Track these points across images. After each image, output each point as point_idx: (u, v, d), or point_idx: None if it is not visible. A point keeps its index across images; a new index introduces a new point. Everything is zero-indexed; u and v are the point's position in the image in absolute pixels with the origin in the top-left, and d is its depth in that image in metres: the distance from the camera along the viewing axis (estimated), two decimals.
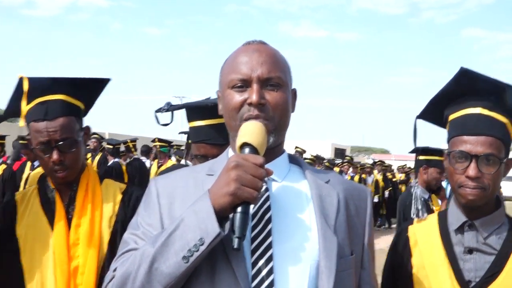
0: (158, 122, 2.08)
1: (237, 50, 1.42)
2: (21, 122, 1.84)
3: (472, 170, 1.60)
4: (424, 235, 1.79)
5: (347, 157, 19.77)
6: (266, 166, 1.23)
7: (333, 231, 1.29)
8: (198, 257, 1.16)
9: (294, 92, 1.45)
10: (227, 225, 1.19)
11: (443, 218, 1.80)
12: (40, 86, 1.84)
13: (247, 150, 1.24)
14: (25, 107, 1.83)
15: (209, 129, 1.97)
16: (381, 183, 16.30)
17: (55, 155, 1.80)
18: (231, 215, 1.20)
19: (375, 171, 16.83)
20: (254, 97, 1.30)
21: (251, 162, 1.19)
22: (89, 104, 2.03)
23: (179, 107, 2.06)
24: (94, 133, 10.56)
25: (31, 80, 1.83)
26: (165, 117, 2.10)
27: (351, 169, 15.92)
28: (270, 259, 1.23)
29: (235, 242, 1.15)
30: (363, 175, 15.84)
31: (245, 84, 1.33)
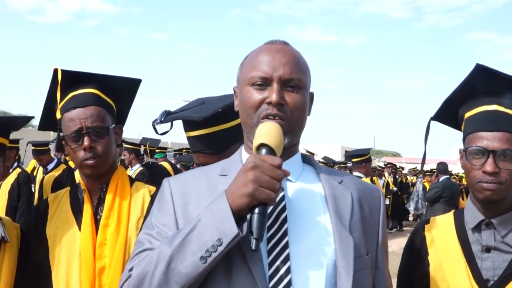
0: (156, 132, 2.08)
1: (259, 48, 1.40)
2: (58, 114, 1.85)
3: (489, 166, 1.60)
4: (440, 233, 1.78)
5: None
6: None
7: (348, 231, 1.28)
8: (216, 257, 1.16)
9: (311, 96, 1.43)
10: (245, 226, 1.18)
11: (459, 217, 1.78)
12: (72, 80, 1.88)
13: (264, 151, 1.23)
14: (59, 98, 1.85)
15: (203, 139, 1.96)
16: (391, 186, 16.20)
17: (86, 141, 1.80)
18: (248, 216, 1.19)
19: (386, 174, 16.73)
20: (274, 97, 1.29)
21: (269, 163, 1.18)
22: (120, 106, 2.03)
23: (172, 118, 2.06)
24: None
25: (64, 73, 1.87)
26: (164, 125, 2.09)
27: None
28: (287, 259, 1.22)
29: (253, 243, 1.15)
30: (374, 178, 15.74)
31: (265, 83, 1.32)
